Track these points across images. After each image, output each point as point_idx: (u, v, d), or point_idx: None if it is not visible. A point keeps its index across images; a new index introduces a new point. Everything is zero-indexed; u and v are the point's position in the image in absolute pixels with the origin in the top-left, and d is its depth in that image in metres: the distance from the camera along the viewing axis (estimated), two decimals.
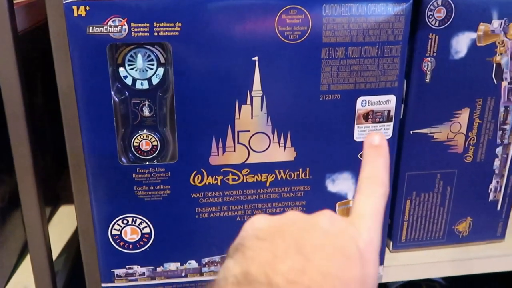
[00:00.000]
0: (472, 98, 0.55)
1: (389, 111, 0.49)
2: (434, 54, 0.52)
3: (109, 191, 0.48)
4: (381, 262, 0.56)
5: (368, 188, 0.30)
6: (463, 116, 0.55)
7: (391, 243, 0.60)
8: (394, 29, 0.47)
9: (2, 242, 0.54)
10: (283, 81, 0.46)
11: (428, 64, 0.52)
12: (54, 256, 0.57)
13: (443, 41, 0.51)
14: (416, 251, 0.61)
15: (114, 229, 0.49)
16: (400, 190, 0.57)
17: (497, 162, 0.58)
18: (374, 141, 0.33)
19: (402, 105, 0.54)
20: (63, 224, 0.66)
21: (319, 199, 0.51)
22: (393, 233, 0.60)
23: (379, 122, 0.50)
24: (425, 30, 0.51)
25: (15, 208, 0.57)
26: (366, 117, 0.49)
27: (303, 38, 0.45)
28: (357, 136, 0.50)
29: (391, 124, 0.50)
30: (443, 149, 0.56)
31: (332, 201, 0.52)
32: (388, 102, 0.49)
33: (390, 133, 0.50)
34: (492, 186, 0.59)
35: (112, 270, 0.51)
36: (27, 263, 0.57)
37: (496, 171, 0.58)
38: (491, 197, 0.60)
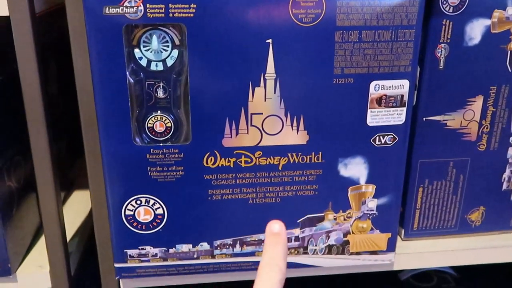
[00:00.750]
0: (486, 85, 0.54)
1: (402, 96, 0.49)
2: (448, 40, 0.52)
3: (123, 171, 0.48)
4: (393, 249, 0.56)
5: (266, 274, 0.33)
6: (477, 103, 0.55)
7: (402, 231, 0.60)
8: (408, 13, 0.47)
9: (17, 222, 0.55)
10: (297, 64, 0.47)
11: (441, 51, 0.52)
12: (68, 238, 0.58)
13: (457, 28, 0.51)
14: (428, 240, 0.61)
15: (128, 210, 0.50)
16: (413, 177, 0.57)
17: (510, 151, 0.58)
18: (274, 228, 0.36)
19: (415, 92, 0.54)
20: (77, 208, 0.67)
21: (331, 183, 0.51)
22: (404, 221, 0.60)
23: (392, 107, 0.50)
24: (439, 16, 0.50)
25: (31, 190, 0.58)
26: (379, 101, 0.49)
27: (317, 21, 0.46)
28: (370, 121, 0.50)
29: (404, 109, 0.50)
30: (456, 137, 0.56)
31: (344, 185, 0.52)
32: (401, 86, 0.49)
33: (403, 118, 0.50)
34: (505, 175, 0.59)
35: (125, 251, 0.52)
36: (41, 243, 0.58)
37: (510, 160, 0.58)
38: (504, 186, 0.59)
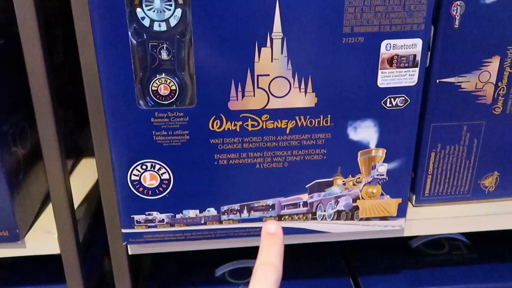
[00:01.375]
0: (503, 45, 0.52)
1: (414, 55, 0.48)
2: None
3: (128, 135, 0.48)
4: (403, 215, 0.55)
5: (262, 274, 0.33)
6: (493, 64, 0.53)
7: (413, 197, 0.59)
8: None
9: (25, 189, 0.55)
10: (304, 22, 0.45)
11: (457, 9, 0.50)
12: (76, 204, 0.58)
13: None
14: (440, 206, 0.60)
15: (133, 175, 0.49)
16: (425, 142, 0.56)
17: None
18: (271, 229, 0.36)
19: (429, 52, 0.52)
20: (84, 175, 0.67)
21: (340, 147, 0.50)
22: (416, 186, 0.58)
23: (404, 67, 0.48)
24: None
25: (38, 157, 0.57)
26: (390, 61, 0.47)
27: None
28: (380, 82, 0.48)
29: (417, 69, 0.48)
30: (470, 100, 0.54)
31: (353, 149, 0.51)
32: (414, 46, 0.47)
33: (415, 79, 0.49)
34: None
35: (132, 216, 0.51)
36: (50, 210, 0.58)
37: None
38: None
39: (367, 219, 0.54)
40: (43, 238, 0.55)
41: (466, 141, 0.56)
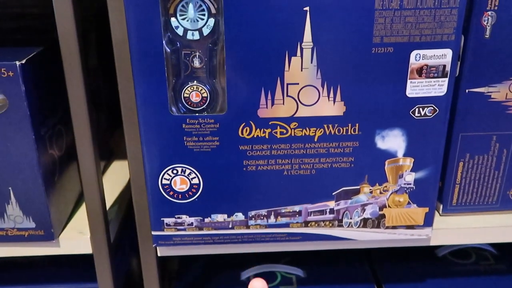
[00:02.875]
0: None
1: (444, 66, 0.48)
2: (496, 7, 0.49)
3: (160, 141, 0.49)
4: (430, 224, 0.55)
5: None
6: None
7: (441, 206, 0.59)
8: None
9: (59, 190, 0.57)
10: (334, 32, 0.46)
11: (488, 19, 0.50)
12: (108, 206, 0.60)
13: None
14: (467, 216, 0.59)
15: (164, 179, 0.51)
16: (453, 151, 0.56)
17: None
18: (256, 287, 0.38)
19: (458, 62, 0.52)
20: (116, 177, 0.69)
21: (367, 156, 0.51)
22: (443, 196, 0.58)
23: (433, 77, 0.48)
24: None
25: (72, 159, 0.59)
26: (419, 71, 0.48)
27: None
28: (409, 92, 0.48)
29: (446, 80, 0.48)
30: (500, 110, 0.54)
31: (381, 158, 0.51)
32: (443, 56, 0.47)
33: (444, 90, 0.49)
34: None
35: (162, 219, 0.53)
36: (83, 210, 0.60)
37: None
38: None
39: (394, 227, 0.54)
40: (76, 238, 0.56)
41: (495, 151, 0.56)
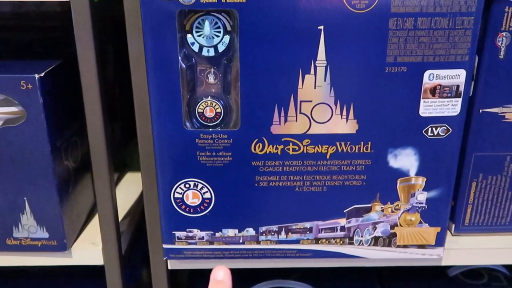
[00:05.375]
0: None
1: (458, 86, 0.48)
2: (510, 28, 0.49)
3: (173, 155, 0.50)
4: (442, 244, 0.54)
5: None
6: None
7: (453, 226, 0.58)
8: (467, 0, 0.45)
9: (73, 201, 0.57)
10: (348, 51, 0.46)
11: (502, 39, 0.50)
12: (120, 218, 0.60)
13: None
14: (480, 236, 0.59)
15: (177, 193, 0.51)
16: (466, 171, 0.55)
17: None
18: (218, 276, 0.36)
19: (472, 82, 0.52)
20: (129, 189, 0.69)
21: (379, 174, 0.51)
22: (455, 215, 0.58)
23: (447, 97, 0.48)
24: (501, 2, 0.48)
25: (86, 170, 0.60)
26: (433, 91, 0.48)
27: (370, 8, 0.45)
28: (422, 111, 0.48)
29: (460, 100, 0.48)
30: None
31: (393, 177, 0.51)
32: (457, 76, 0.47)
33: (458, 109, 0.49)
34: None
35: (173, 232, 0.53)
36: (95, 222, 0.60)
37: None
38: None
39: (405, 246, 0.54)
40: (88, 249, 0.57)
41: (509, 172, 0.56)
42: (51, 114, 0.51)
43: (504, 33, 0.50)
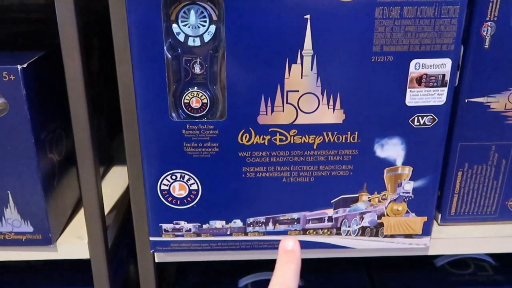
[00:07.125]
0: None
1: (443, 75, 0.48)
2: (495, 18, 0.50)
3: (159, 146, 0.49)
4: (428, 233, 0.55)
5: None
6: None
7: (439, 216, 0.59)
8: None
9: (58, 194, 0.57)
10: (335, 41, 0.46)
11: (487, 29, 0.50)
12: (106, 211, 0.60)
13: (505, 5, 0.49)
14: (466, 225, 0.59)
15: (163, 184, 0.51)
16: (452, 161, 0.56)
17: None
18: (288, 246, 0.35)
19: (458, 72, 0.52)
20: (115, 183, 0.69)
21: (366, 164, 0.51)
22: (442, 205, 0.58)
23: (433, 86, 0.48)
24: None
25: (71, 164, 0.60)
26: (419, 81, 0.48)
27: None
28: (409, 101, 0.48)
29: (445, 89, 0.49)
30: (499, 120, 0.54)
31: (380, 166, 0.51)
32: (443, 66, 0.48)
33: (444, 99, 0.49)
34: None
35: (160, 225, 0.53)
36: (81, 215, 0.59)
37: None
38: None
39: (392, 236, 0.54)
40: (74, 243, 0.56)
41: (494, 161, 0.56)
42: (35, 106, 0.50)
43: (489, 23, 0.50)
